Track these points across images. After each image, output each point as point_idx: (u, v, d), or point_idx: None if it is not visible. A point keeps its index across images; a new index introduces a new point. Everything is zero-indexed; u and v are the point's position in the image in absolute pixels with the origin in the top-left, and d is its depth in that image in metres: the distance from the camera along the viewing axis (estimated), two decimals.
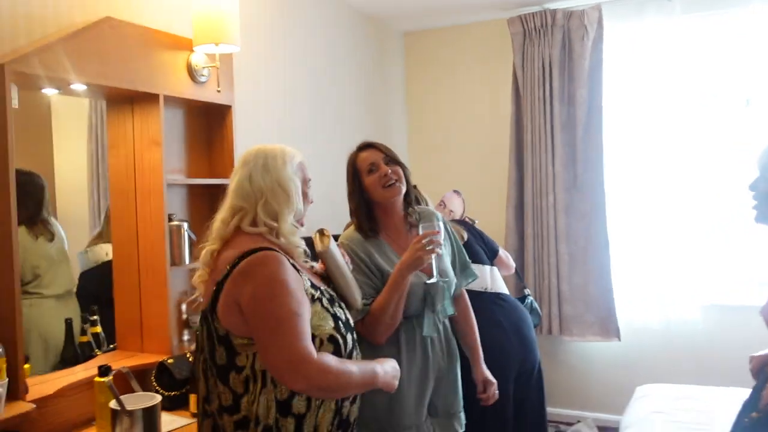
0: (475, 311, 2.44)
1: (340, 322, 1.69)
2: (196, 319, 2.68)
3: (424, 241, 1.99)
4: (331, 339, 1.64)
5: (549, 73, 4.02)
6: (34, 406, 1.95)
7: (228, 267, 1.60)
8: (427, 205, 2.83)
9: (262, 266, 1.58)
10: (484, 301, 2.96)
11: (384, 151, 2.20)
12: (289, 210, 1.69)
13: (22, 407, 1.93)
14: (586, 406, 4.04)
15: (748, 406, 1.66)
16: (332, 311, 1.70)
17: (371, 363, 1.74)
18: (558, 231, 4.01)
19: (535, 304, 3.43)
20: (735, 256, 3.86)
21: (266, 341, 1.55)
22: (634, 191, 3.98)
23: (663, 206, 3.88)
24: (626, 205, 4.00)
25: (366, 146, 2.23)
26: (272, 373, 1.58)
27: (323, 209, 3.67)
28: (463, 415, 2.27)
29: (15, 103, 2.02)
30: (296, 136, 3.51)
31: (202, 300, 1.71)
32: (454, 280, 2.24)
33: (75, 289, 2.67)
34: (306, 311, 1.59)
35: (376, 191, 2.17)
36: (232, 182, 1.73)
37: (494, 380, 2.34)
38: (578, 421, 3.90)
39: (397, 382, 1.78)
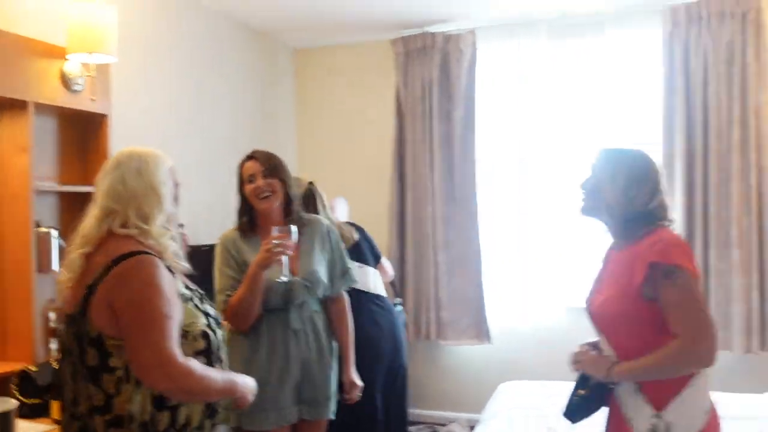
0: (355, 309, 2.67)
1: (210, 319, 1.79)
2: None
3: (271, 245, 2.18)
4: (203, 335, 1.74)
5: (429, 92, 4.25)
6: None
7: (101, 269, 1.63)
8: (322, 200, 3.06)
9: (137, 270, 1.63)
10: (365, 300, 3.18)
11: (263, 164, 2.36)
12: (160, 212, 1.73)
13: None
14: (459, 407, 4.26)
15: (578, 384, 1.90)
16: (203, 309, 1.79)
17: (232, 374, 1.84)
18: (436, 240, 4.24)
19: (403, 315, 3.65)
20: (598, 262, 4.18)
21: (135, 342, 1.60)
22: (504, 202, 4.27)
23: (531, 215, 4.18)
24: (497, 215, 4.28)
25: (250, 157, 2.41)
26: (138, 373, 1.61)
27: (210, 218, 3.72)
28: (332, 403, 2.46)
29: None
30: (181, 146, 3.53)
31: (65, 303, 1.73)
32: (320, 281, 2.42)
33: None
34: (177, 314, 1.66)
35: (252, 200, 2.38)
36: (102, 183, 1.75)
37: (360, 383, 2.56)
38: (452, 422, 4.12)
39: (251, 398, 1.88)
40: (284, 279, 2.24)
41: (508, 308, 4.27)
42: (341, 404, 2.56)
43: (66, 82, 2.64)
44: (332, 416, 2.48)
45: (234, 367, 2.26)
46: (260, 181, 2.34)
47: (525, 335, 4.21)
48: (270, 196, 2.35)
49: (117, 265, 1.63)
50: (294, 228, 2.25)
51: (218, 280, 2.39)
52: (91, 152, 2.84)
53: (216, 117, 3.89)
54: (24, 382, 2.38)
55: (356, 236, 3.34)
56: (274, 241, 2.19)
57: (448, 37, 4.21)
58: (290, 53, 4.72)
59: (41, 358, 2.56)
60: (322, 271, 2.43)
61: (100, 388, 1.64)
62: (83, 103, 2.71)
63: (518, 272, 4.23)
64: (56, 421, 2.29)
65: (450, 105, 4.25)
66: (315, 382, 2.40)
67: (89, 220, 1.73)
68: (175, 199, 1.84)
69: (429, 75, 4.24)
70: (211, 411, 1.79)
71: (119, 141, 3.02)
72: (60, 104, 2.62)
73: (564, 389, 3.13)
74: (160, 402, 1.66)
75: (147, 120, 3.32)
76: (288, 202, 2.42)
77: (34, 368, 2.41)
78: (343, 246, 2.59)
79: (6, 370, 2.43)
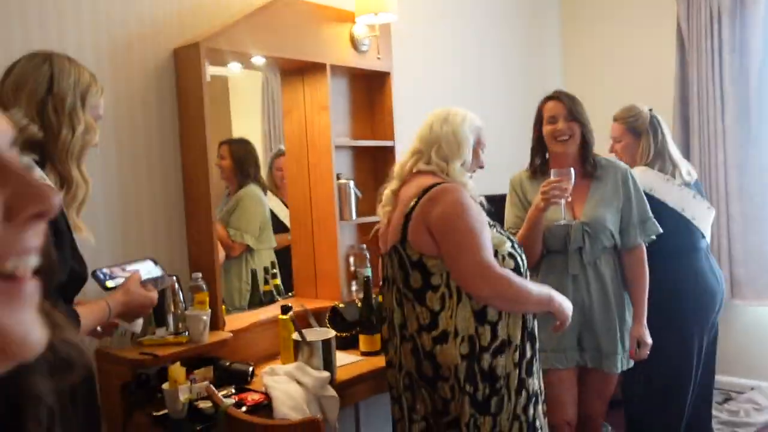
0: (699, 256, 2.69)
1: (515, 244, 1.93)
2: (363, 270, 2.94)
3: (547, 188, 2.15)
4: (511, 255, 1.88)
5: (718, 22, 3.77)
6: (231, 334, 2.28)
7: (414, 200, 1.82)
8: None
9: (447, 193, 1.81)
10: (706, 248, 2.87)
11: (566, 106, 2.34)
12: (458, 158, 1.89)
13: (222, 335, 2.27)
14: (760, 374, 3.81)
15: None
16: (506, 235, 1.94)
17: (548, 288, 1.94)
18: (729, 189, 3.79)
19: None
20: None
21: (454, 253, 1.76)
22: None
23: None
24: None
25: (554, 96, 2.40)
26: (460, 282, 1.78)
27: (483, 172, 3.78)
28: (619, 359, 2.33)
29: (208, 77, 2.34)
30: (452, 96, 3.60)
31: (383, 238, 1.96)
32: (603, 227, 2.30)
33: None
34: (486, 230, 1.82)
35: (548, 141, 2.39)
36: (416, 131, 1.98)
37: (649, 341, 2.39)
38: (752, 389, 3.70)
39: (568, 316, 1.93)
40: (562, 222, 2.22)
41: None
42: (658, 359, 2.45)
43: (355, 43, 2.84)
44: (616, 370, 2.34)
45: None
46: (561, 124, 2.33)
47: None
48: (568, 139, 2.33)
49: (426, 193, 1.80)
50: (572, 171, 2.19)
51: (506, 219, 2.46)
52: (377, 109, 3.04)
53: (489, 62, 3.89)
54: (335, 317, 2.66)
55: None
56: (551, 184, 2.16)
57: None
58: None
59: (346, 297, 2.83)
60: (609, 218, 2.32)
61: (425, 306, 1.81)
62: (370, 62, 2.89)
63: None
64: (363, 353, 2.53)
65: (745, 34, 3.72)
66: (596, 331, 2.31)
67: (399, 162, 1.97)
68: (476, 156, 1.99)
69: (718, 2, 3.76)
70: (529, 335, 1.87)
71: (401, 97, 3.20)
72: (351, 65, 2.82)
73: None
74: (482, 316, 1.79)
75: (426, 75, 3.44)
76: (584, 146, 2.36)
77: (342, 306, 2.67)
78: (643, 194, 2.43)
79: (320, 306, 2.73)
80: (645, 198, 2.43)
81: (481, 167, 2.03)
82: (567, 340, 2.30)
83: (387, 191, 1.96)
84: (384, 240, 1.97)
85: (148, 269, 1.77)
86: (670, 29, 3.99)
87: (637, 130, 2.85)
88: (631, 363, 2.39)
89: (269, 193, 3.16)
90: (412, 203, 1.82)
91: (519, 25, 4.18)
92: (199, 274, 2.25)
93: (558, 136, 2.33)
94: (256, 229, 3.00)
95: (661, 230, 2.43)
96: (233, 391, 2.12)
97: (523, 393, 1.84)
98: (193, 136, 2.31)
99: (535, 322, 1.94)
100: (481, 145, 2.00)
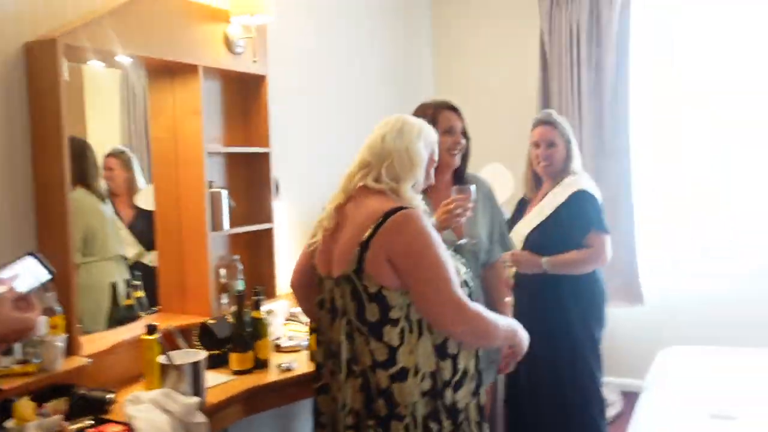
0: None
1: (464, 270, 1.85)
2: (234, 283, 2.82)
3: (451, 206, 2.11)
4: (465, 283, 1.79)
5: (577, 39, 4.01)
6: (90, 360, 2.09)
7: (371, 228, 1.68)
8: None
9: (410, 221, 1.68)
10: None
11: (462, 120, 2.36)
12: (411, 178, 1.78)
13: (78, 361, 2.07)
14: (609, 371, 4.10)
15: None
16: (456, 258, 1.87)
17: (510, 319, 1.90)
18: None
19: None
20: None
21: (424, 289, 1.66)
22: (660, 157, 3.99)
23: (689, 171, 3.89)
24: (652, 170, 4.02)
25: (452, 108, 2.36)
26: (431, 319, 1.68)
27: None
28: (492, 369, 2.34)
29: (66, 75, 2.12)
30: (329, 101, 3.57)
31: (323, 264, 1.83)
32: (483, 244, 2.33)
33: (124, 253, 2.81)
34: (450, 259, 1.72)
35: (442, 152, 2.25)
36: (367, 139, 1.84)
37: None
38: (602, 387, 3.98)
39: (525, 347, 1.87)
40: (463, 242, 2.20)
41: (662, 269, 4.03)
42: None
43: (229, 44, 2.70)
44: (492, 380, 2.42)
45: None
46: (459, 137, 2.32)
47: (681, 298, 3.97)
48: (459, 153, 2.34)
49: (387, 220, 1.67)
50: (473, 188, 2.16)
51: None
52: (252, 113, 2.92)
53: (360, 68, 3.88)
54: (204, 334, 2.52)
55: None
56: (455, 203, 2.11)
57: None
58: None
59: (216, 311, 2.70)
60: (484, 236, 2.36)
61: (382, 342, 1.68)
62: (245, 65, 2.77)
63: (675, 230, 3.97)
64: (235, 372, 2.42)
65: (600, 52, 3.99)
66: None
67: (347, 173, 1.83)
68: (427, 175, 1.87)
69: (577, 20, 3.99)
70: (479, 360, 1.82)
71: (277, 101, 3.09)
72: (225, 67, 2.69)
73: (738, 357, 2.99)
74: (442, 350, 1.71)
75: (301, 78, 3.36)
76: (464, 160, 2.39)
77: (212, 321, 2.54)
78: (501, 209, 2.51)
79: (187, 323, 2.58)
80: (502, 212, 2.51)
81: (431, 185, 1.93)
82: None
83: (329, 206, 1.82)
84: (324, 262, 1.82)
85: (29, 272, 1.30)
86: (535, 44, 4.18)
87: (567, 137, 2.88)
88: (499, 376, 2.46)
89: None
90: (369, 231, 1.68)
91: (393, 32, 4.20)
92: (53, 294, 2.04)
93: (453, 149, 2.32)
94: (76, 241, 2.71)
95: (514, 247, 2.55)
96: (92, 422, 1.94)
97: (481, 419, 1.81)
98: (49, 142, 2.09)
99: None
100: (433, 163, 1.89)
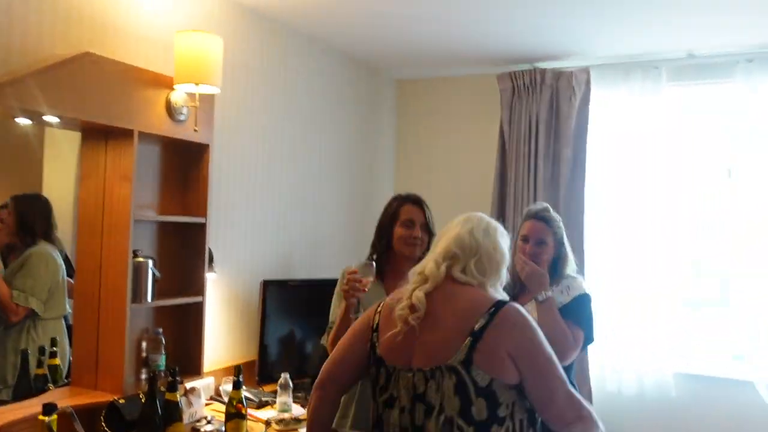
0: None
1: None
2: (156, 357, 2.66)
3: (347, 285, 2.15)
4: None
5: (536, 131, 4.04)
6: None
7: (484, 318, 1.63)
8: None
9: (524, 316, 1.67)
10: None
11: (426, 218, 2.39)
12: (497, 274, 1.78)
13: None
14: None
15: None
16: None
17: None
18: None
19: None
20: (709, 327, 3.84)
21: (547, 386, 1.62)
22: (611, 253, 3.97)
23: (639, 270, 3.86)
24: (603, 266, 3.98)
25: (416, 201, 2.42)
26: (550, 415, 1.62)
27: (302, 251, 3.68)
28: None
29: None
30: (276, 176, 3.51)
31: (400, 336, 1.70)
32: None
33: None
34: None
35: (398, 242, 2.37)
36: (447, 231, 1.83)
37: None
38: None
39: None
40: (356, 316, 2.15)
41: (610, 371, 3.94)
42: None
43: (171, 111, 2.63)
44: None
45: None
46: (418, 230, 2.34)
47: (628, 400, 3.87)
48: (418, 246, 2.34)
49: (498, 312, 1.64)
50: (373, 265, 2.19)
51: (331, 311, 2.38)
52: (192, 182, 2.83)
53: (316, 147, 3.85)
54: (111, 414, 2.34)
55: None
56: (350, 278, 2.14)
57: (558, 74, 4.00)
58: (392, 84, 4.64)
59: (133, 387, 2.53)
60: None
61: None
62: (187, 133, 2.69)
63: (624, 331, 3.90)
64: None
65: (558, 145, 4.02)
66: None
67: (429, 262, 1.78)
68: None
69: (536, 113, 4.03)
70: None
71: (219, 171, 3.02)
72: (164, 134, 2.60)
73: None
74: None
75: (248, 150, 3.30)
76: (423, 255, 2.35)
77: (122, 400, 2.36)
78: None
79: (96, 400, 2.40)
80: None
81: (389, 273, 2.06)
82: None
83: (419, 294, 1.71)
84: (403, 353, 1.70)
85: None
86: (495, 132, 4.21)
87: (560, 237, 2.58)
88: None
89: None
90: (482, 321, 1.62)
91: (353, 111, 4.21)
92: None
93: (413, 241, 2.34)
94: (44, 293, 2.62)
95: None
96: None
97: None
98: None
99: None
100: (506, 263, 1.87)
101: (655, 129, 3.84)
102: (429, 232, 2.37)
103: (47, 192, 2.75)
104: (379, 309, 1.83)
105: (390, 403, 1.69)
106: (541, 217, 2.55)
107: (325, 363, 1.85)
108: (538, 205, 2.70)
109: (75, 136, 2.77)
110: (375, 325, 1.79)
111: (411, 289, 1.74)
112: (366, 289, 2.16)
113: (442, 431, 1.61)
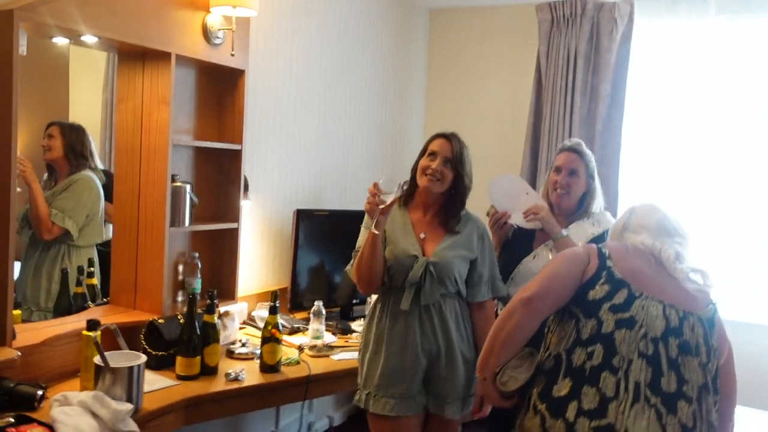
0: None
1: None
2: (192, 280, 2.71)
3: (369, 195, 2.12)
4: None
5: (573, 65, 3.92)
6: (19, 353, 1.97)
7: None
8: None
9: None
10: None
11: (455, 151, 2.27)
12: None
13: (6, 353, 1.96)
14: None
15: None
16: None
17: None
18: None
19: None
20: (752, 268, 3.78)
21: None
22: (647, 192, 3.90)
23: (675, 211, 3.80)
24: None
25: (448, 136, 2.31)
26: (731, 393, 1.79)
27: (334, 181, 3.67)
28: (457, 406, 2.27)
29: (23, 50, 2.01)
30: (309, 106, 3.47)
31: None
32: (449, 271, 2.25)
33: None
34: None
35: (419, 172, 2.30)
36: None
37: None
38: None
39: None
40: (376, 232, 2.15)
41: None
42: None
43: (207, 35, 2.59)
44: (456, 416, 2.28)
45: (368, 348, 2.31)
46: (438, 163, 2.25)
47: None
48: (435, 180, 2.26)
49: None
50: (398, 182, 2.14)
51: (360, 237, 2.35)
52: (227, 108, 2.81)
53: (350, 76, 3.79)
54: (151, 333, 2.41)
55: None
56: (372, 192, 2.11)
57: (600, 5, 3.85)
58: (426, 13, 4.51)
59: (169, 309, 2.59)
60: (457, 264, 2.27)
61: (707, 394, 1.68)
62: (223, 57, 2.65)
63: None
64: (179, 377, 2.31)
65: (596, 81, 3.90)
66: (440, 376, 2.25)
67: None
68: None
69: (575, 46, 3.90)
70: None
71: (254, 98, 2.99)
72: (201, 57, 2.57)
73: None
74: None
75: (281, 79, 3.26)
76: (455, 195, 2.30)
77: (161, 320, 2.42)
78: (494, 254, 2.42)
79: (135, 319, 2.46)
80: (496, 258, 2.42)
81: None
82: (415, 385, 2.23)
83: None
84: (655, 282, 1.75)
85: None
86: (531, 66, 4.10)
87: (591, 171, 2.62)
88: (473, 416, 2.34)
89: None
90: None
91: (385, 42, 4.10)
92: None
93: (428, 171, 2.26)
94: (82, 217, 2.66)
95: (505, 293, 2.41)
96: (12, 420, 1.82)
97: None
98: None
99: None
100: None
101: (700, 65, 3.71)
102: (455, 169, 2.27)
103: (74, 116, 2.77)
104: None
105: (629, 324, 1.67)
106: (574, 150, 2.60)
107: (530, 282, 1.79)
108: (573, 140, 2.74)
109: (101, 60, 2.76)
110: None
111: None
112: (382, 207, 2.11)
113: (701, 373, 1.69)
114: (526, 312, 1.72)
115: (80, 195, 2.64)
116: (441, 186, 2.27)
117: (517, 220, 2.57)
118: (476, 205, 2.47)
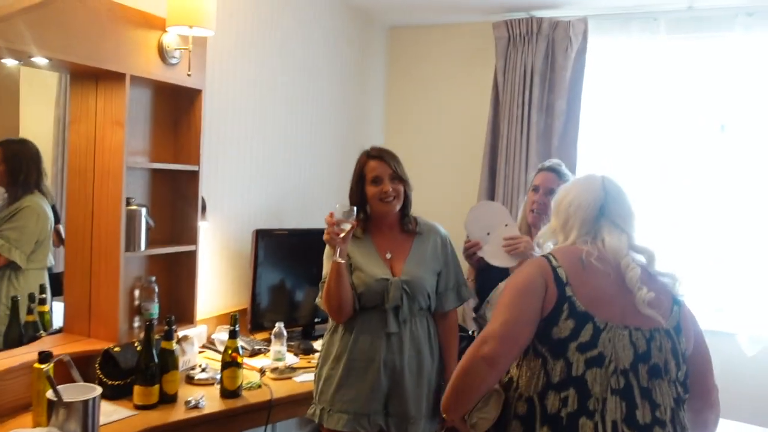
0: None
1: None
2: (149, 305, 2.64)
3: (327, 232, 2.12)
4: None
5: (530, 81, 3.98)
6: None
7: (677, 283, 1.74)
8: None
9: None
10: None
11: (392, 167, 2.29)
12: None
13: None
14: None
15: None
16: None
17: None
18: None
19: None
20: (691, 280, 3.89)
21: (709, 370, 1.76)
22: None
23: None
24: None
25: (377, 156, 2.31)
26: (711, 401, 1.75)
27: (293, 200, 3.64)
28: (421, 425, 2.25)
29: None
30: (268, 124, 3.44)
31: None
32: (421, 287, 2.26)
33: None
34: None
35: (373, 201, 2.31)
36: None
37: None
38: None
39: None
40: (340, 261, 2.14)
41: None
42: None
43: (163, 55, 2.55)
44: None
45: (326, 363, 2.28)
46: (387, 186, 2.26)
47: None
48: (393, 199, 2.28)
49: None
50: (353, 210, 2.14)
51: (324, 268, 2.32)
52: (184, 129, 2.76)
53: (309, 94, 3.77)
54: (107, 362, 2.34)
55: None
56: (330, 225, 2.11)
57: (555, 24, 3.92)
58: (384, 31, 4.53)
59: (125, 336, 2.52)
60: (427, 279, 2.29)
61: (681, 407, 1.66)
62: (179, 77, 2.61)
63: None
64: (137, 407, 2.24)
65: (552, 97, 3.97)
66: (405, 395, 2.23)
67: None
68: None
69: (532, 63, 3.97)
70: None
71: (211, 118, 2.95)
72: (156, 78, 2.52)
73: None
74: None
75: (239, 97, 3.22)
76: (405, 204, 2.33)
77: (117, 349, 2.36)
78: (458, 259, 2.43)
79: (90, 348, 2.39)
80: (459, 263, 2.43)
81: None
82: (374, 403, 2.21)
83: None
84: (615, 307, 1.65)
85: None
86: (488, 82, 4.15)
87: None
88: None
89: None
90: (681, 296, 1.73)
91: (344, 60, 4.10)
92: None
93: (384, 197, 2.27)
94: (30, 246, 2.56)
95: (472, 296, 2.43)
96: None
97: None
98: None
99: None
100: None
101: (652, 82, 3.81)
102: (401, 181, 2.30)
103: (24, 134, 2.67)
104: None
105: (598, 362, 1.60)
106: (553, 170, 2.63)
107: (490, 332, 1.62)
108: (552, 160, 2.77)
109: (52, 78, 2.68)
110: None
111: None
112: (342, 235, 2.11)
113: (672, 396, 1.66)
114: (492, 371, 1.62)
115: (26, 225, 2.53)
116: (398, 203, 2.30)
117: (488, 254, 2.47)
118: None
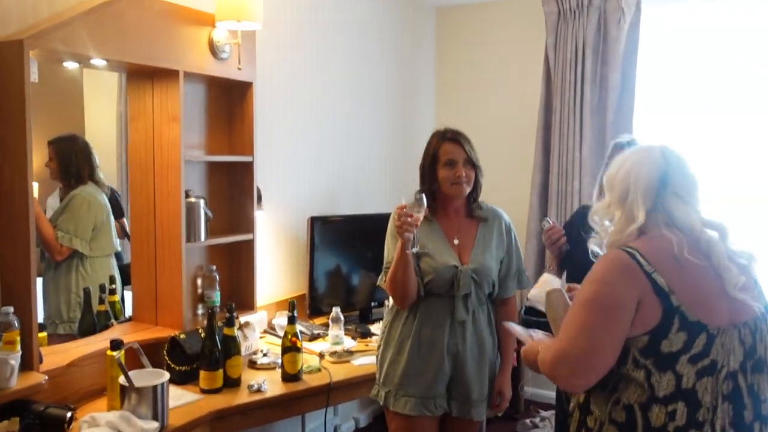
0: None
1: None
2: (211, 293, 2.74)
3: (398, 221, 2.10)
4: None
5: (582, 55, 3.89)
6: (46, 377, 2.01)
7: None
8: None
9: None
10: None
11: (467, 152, 2.27)
12: None
13: (34, 378, 1.99)
14: None
15: None
16: None
17: None
18: None
19: None
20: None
21: None
22: None
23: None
24: None
25: (453, 138, 2.29)
26: None
27: (347, 186, 3.68)
28: (483, 407, 2.30)
29: (34, 77, 2.03)
30: (319, 112, 3.48)
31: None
32: (488, 275, 2.26)
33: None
34: None
35: (444, 184, 2.27)
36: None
37: (509, 395, 2.37)
38: None
39: None
40: (414, 251, 2.15)
41: None
42: None
43: (214, 50, 2.61)
44: (480, 419, 2.32)
45: (390, 347, 2.31)
46: (461, 170, 2.25)
47: None
48: (464, 184, 2.26)
49: None
50: (423, 197, 2.12)
51: (385, 252, 2.33)
52: (237, 121, 2.83)
53: (358, 80, 3.79)
54: (174, 349, 2.44)
55: None
56: (400, 214, 2.09)
57: None
58: (432, 12, 4.50)
59: (190, 323, 2.62)
60: (493, 266, 2.29)
61: None
62: (230, 71, 2.67)
63: None
64: (203, 391, 2.34)
65: (605, 70, 3.87)
66: (468, 379, 2.25)
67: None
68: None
69: (583, 36, 3.87)
70: None
71: (263, 109, 3.01)
72: (208, 73, 2.59)
73: None
74: None
75: (289, 88, 3.27)
76: (475, 188, 2.32)
77: (182, 336, 2.45)
78: (519, 246, 2.42)
79: (157, 335, 2.50)
80: (520, 249, 2.42)
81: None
82: (437, 387, 2.25)
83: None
84: (717, 308, 1.47)
85: None
86: (539, 59, 4.07)
87: None
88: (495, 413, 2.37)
89: None
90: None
91: (392, 43, 4.10)
92: (11, 309, 1.96)
93: (457, 181, 2.25)
94: (88, 233, 2.67)
95: (530, 284, 2.41)
96: None
97: None
98: (11, 145, 1.99)
99: None
100: None
101: (711, 48, 3.66)
102: (473, 166, 2.28)
103: (91, 133, 2.79)
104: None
105: (710, 371, 1.44)
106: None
107: (563, 353, 1.46)
108: (626, 136, 2.72)
109: (112, 77, 2.78)
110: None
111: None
112: (417, 224, 2.12)
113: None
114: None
115: (78, 212, 2.63)
116: (469, 187, 2.29)
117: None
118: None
